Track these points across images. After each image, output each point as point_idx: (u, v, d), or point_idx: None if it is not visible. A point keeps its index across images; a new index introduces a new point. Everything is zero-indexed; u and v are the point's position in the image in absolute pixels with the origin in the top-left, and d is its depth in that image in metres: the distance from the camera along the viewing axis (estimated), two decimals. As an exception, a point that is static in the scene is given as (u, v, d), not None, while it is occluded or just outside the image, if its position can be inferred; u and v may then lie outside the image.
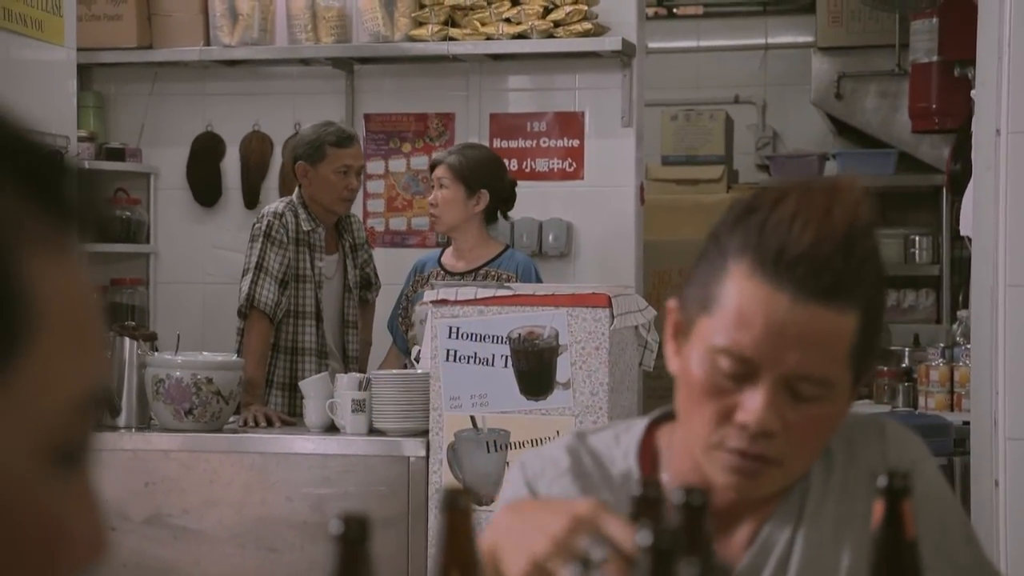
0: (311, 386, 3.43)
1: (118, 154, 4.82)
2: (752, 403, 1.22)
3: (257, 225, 3.86)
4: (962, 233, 3.41)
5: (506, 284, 3.42)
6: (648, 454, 1.37)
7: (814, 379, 1.22)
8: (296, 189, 3.95)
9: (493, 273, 3.85)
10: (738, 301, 1.23)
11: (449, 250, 3.97)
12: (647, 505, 1.06)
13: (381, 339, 4.19)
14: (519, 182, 4.42)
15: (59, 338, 0.60)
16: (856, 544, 1.32)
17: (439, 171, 3.82)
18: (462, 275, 3.85)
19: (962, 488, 3.63)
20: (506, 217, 4.04)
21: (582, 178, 4.62)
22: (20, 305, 0.58)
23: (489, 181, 3.83)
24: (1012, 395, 2.80)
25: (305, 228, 3.86)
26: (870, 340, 1.26)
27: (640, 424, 1.40)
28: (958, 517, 1.35)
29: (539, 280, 3.92)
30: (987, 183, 2.86)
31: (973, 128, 2.97)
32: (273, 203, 4.01)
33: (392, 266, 4.39)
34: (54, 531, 0.63)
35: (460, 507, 1.02)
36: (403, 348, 3.98)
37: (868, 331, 1.25)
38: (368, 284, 4.10)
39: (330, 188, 3.85)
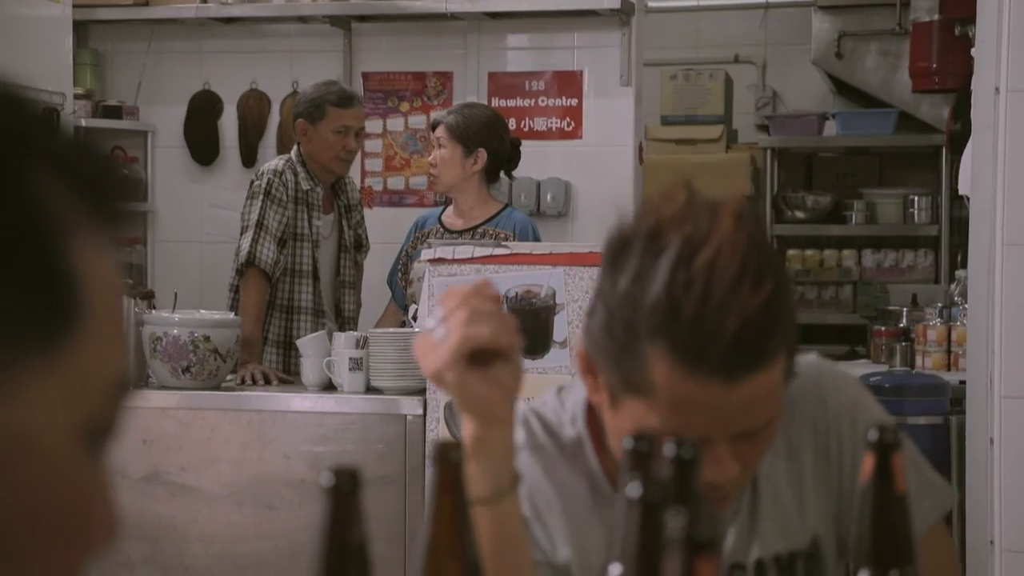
0: (308, 344, 3.43)
1: (115, 112, 4.80)
2: (710, 466, 1.18)
3: (256, 182, 3.86)
4: (960, 192, 3.41)
5: (503, 243, 3.42)
6: (594, 419, 1.37)
7: (760, 426, 1.23)
8: (295, 147, 3.94)
9: (491, 232, 3.85)
10: (671, 391, 1.18)
11: (450, 208, 3.97)
12: (638, 459, 1.06)
13: (377, 297, 4.19)
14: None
15: (101, 322, 0.63)
16: (812, 499, 1.34)
17: (438, 131, 3.83)
18: (460, 233, 3.85)
19: (958, 446, 3.64)
20: (509, 176, 4.04)
21: (581, 137, 4.61)
22: (72, 287, 0.61)
23: (487, 140, 3.82)
24: (1008, 354, 2.81)
25: (304, 187, 3.85)
26: (795, 344, 1.24)
27: (580, 387, 1.38)
28: (907, 443, 1.36)
29: (537, 239, 3.91)
30: (986, 142, 2.85)
31: (973, 86, 2.96)
32: (272, 160, 4.00)
33: (390, 225, 4.39)
34: (82, 510, 0.65)
35: (451, 460, 1.02)
36: (402, 303, 3.99)
37: (793, 341, 1.23)
38: (359, 246, 4.10)
39: (328, 147, 3.85)
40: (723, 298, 1.14)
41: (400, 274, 4.02)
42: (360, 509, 0.96)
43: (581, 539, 1.34)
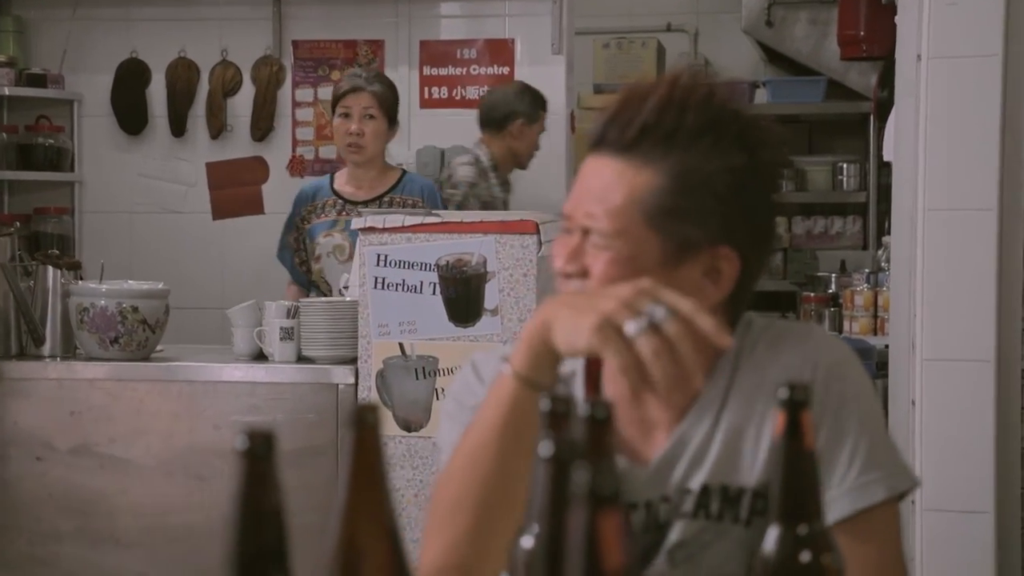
0: (239, 314, 3.42)
1: (39, 80, 4.73)
2: (559, 248, 1.36)
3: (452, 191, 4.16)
4: (885, 159, 3.46)
5: (434, 212, 3.42)
6: (591, 374, 1.41)
7: (598, 229, 1.32)
8: (482, 148, 4.20)
9: (398, 200, 3.85)
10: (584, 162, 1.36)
11: (341, 178, 3.92)
12: (555, 419, 1.07)
13: (278, 270, 4.14)
14: (450, 110, 4.43)
15: None
16: (766, 445, 1.36)
17: (365, 100, 3.76)
18: (367, 203, 3.82)
19: (884, 409, 3.70)
20: None
21: (512, 105, 4.60)
22: None
23: (397, 112, 3.86)
24: (930, 318, 2.86)
25: (496, 193, 4.27)
26: (687, 205, 1.31)
27: (493, 358, 1.44)
28: (877, 420, 1.38)
29: (441, 200, 3.96)
30: (907, 108, 2.89)
31: (896, 54, 3.00)
32: (460, 169, 4.25)
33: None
34: None
35: (369, 423, 1.03)
36: (300, 281, 3.95)
37: (683, 195, 1.31)
38: None
39: (533, 146, 4.27)
40: (633, 90, 1.33)
41: (294, 250, 3.96)
42: (275, 472, 0.97)
43: None
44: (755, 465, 1.35)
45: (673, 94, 1.30)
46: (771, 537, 1.08)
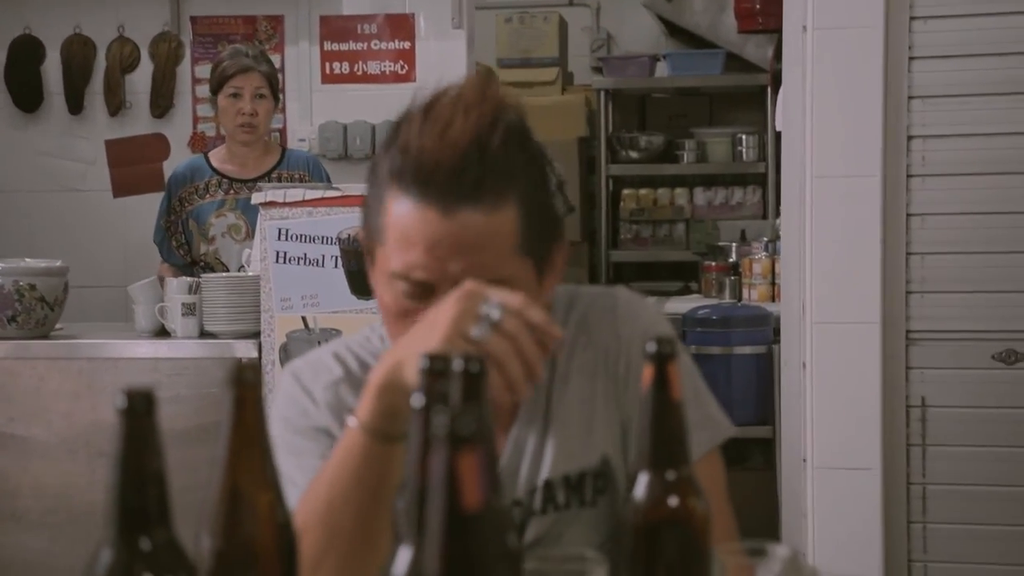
0: (140, 291, 3.40)
1: (-71, 58, 4.63)
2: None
3: None
4: (777, 128, 3.53)
5: (334, 185, 3.43)
6: None
7: (488, 277, 1.24)
8: None
9: (286, 175, 3.88)
10: (397, 226, 1.26)
11: (219, 157, 3.91)
12: (432, 376, 1.11)
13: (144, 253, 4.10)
14: (351, 85, 4.43)
15: None
16: (602, 421, 1.40)
17: (256, 80, 3.77)
18: (255, 181, 3.83)
19: (779, 372, 3.80)
20: None
21: (414, 81, 4.62)
22: None
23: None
24: (818, 282, 2.94)
25: None
26: (539, 224, 1.29)
27: None
28: (690, 379, 1.42)
29: (325, 173, 3.99)
30: (795, 79, 2.97)
31: (783, 25, 3.07)
32: None
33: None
34: None
35: (248, 381, 1.06)
36: (179, 263, 3.93)
37: (533, 217, 1.28)
38: None
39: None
40: (442, 129, 1.24)
41: (170, 234, 3.93)
42: (156, 432, 0.99)
43: None
44: (589, 445, 1.38)
45: (482, 133, 1.24)
46: (641, 483, 1.12)
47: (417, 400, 0.92)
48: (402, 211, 1.25)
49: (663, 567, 1.11)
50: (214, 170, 3.88)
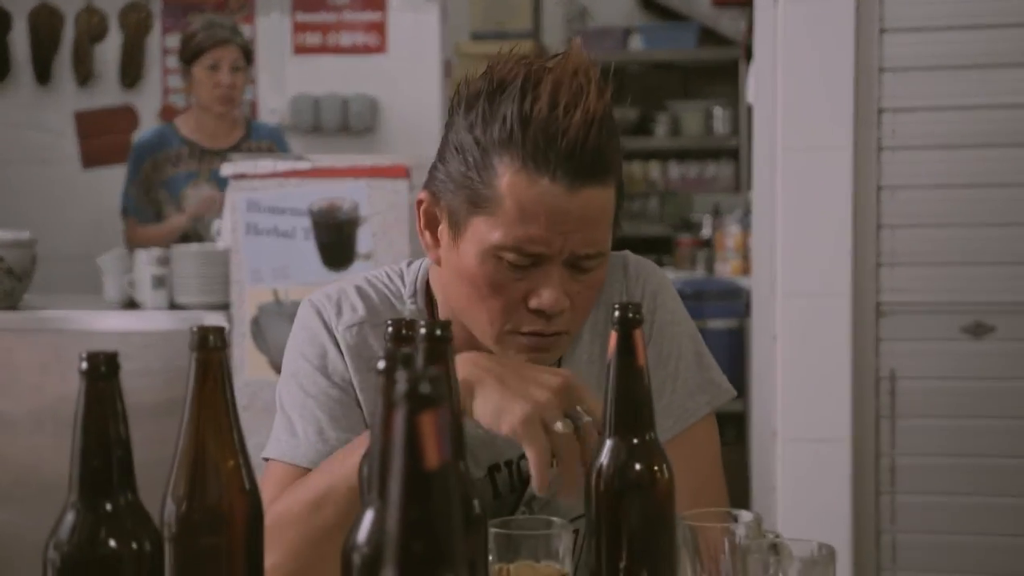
0: (109, 262, 3.38)
1: None
2: (545, 289, 1.27)
3: None
4: (750, 101, 3.53)
5: (305, 156, 3.41)
6: (429, 298, 1.42)
7: (593, 253, 1.28)
8: None
9: (255, 146, 3.89)
10: (516, 198, 1.24)
11: (187, 126, 3.89)
12: (398, 339, 1.11)
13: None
14: (323, 56, 4.40)
15: None
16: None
17: (234, 53, 3.77)
18: (227, 151, 3.82)
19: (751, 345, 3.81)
20: None
21: (386, 52, 4.60)
22: None
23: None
24: (789, 255, 2.95)
25: None
26: (622, 195, 1.32)
27: (417, 265, 1.44)
28: (692, 343, 1.44)
29: (286, 144, 3.99)
30: (766, 51, 2.97)
31: (755, -2, 3.07)
32: None
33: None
34: None
35: (211, 345, 1.05)
36: (157, 221, 3.91)
37: (621, 188, 1.31)
38: None
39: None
40: (570, 103, 1.22)
41: (143, 204, 3.90)
42: (119, 394, 0.98)
43: None
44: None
45: (604, 108, 1.24)
46: (606, 449, 1.13)
47: (379, 363, 0.92)
48: (523, 184, 1.23)
49: (627, 532, 1.12)
50: (183, 140, 3.86)
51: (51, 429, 3.19)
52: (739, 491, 3.71)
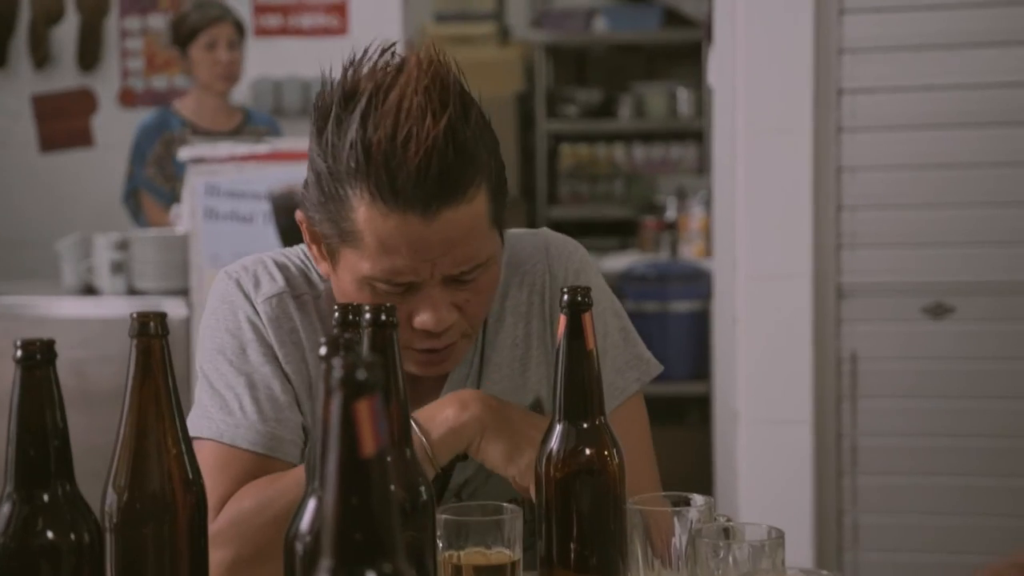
0: (67, 248, 3.35)
1: None
2: (425, 312, 1.25)
3: None
4: (710, 83, 3.53)
5: (263, 139, 3.39)
6: None
7: (468, 268, 1.25)
8: None
9: (255, 129, 3.85)
10: (374, 233, 1.21)
11: (187, 109, 3.86)
12: (344, 326, 1.10)
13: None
14: (284, 39, 4.37)
15: None
16: (536, 361, 1.39)
17: (229, 30, 3.76)
18: (229, 134, 3.80)
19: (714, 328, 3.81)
20: None
21: (347, 34, 4.56)
22: None
23: None
24: (750, 236, 2.95)
25: None
26: (500, 193, 1.28)
27: None
28: (617, 319, 1.43)
29: (282, 132, 3.96)
30: (725, 33, 2.96)
31: (716, -21, 3.06)
32: None
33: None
34: None
35: (151, 332, 1.04)
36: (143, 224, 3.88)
37: (497, 188, 1.27)
38: None
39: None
40: (408, 132, 1.19)
41: (158, 176, 3.89)
42: (55, 382, 0.96)
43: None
44: (522, 387, 1.38)
45: (450, 126, 1.20)
46: (556, 433, 1.12)
47: (321, 348, 0.90)
48: (377, 218, 1.21)
49: (578, 517, 1.11)
50: (183, 122, 3.84)
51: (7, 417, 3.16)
52: (704, 474, 3.71)
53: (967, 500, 2.89)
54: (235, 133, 3.81)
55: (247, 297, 1.36)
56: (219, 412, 1.31)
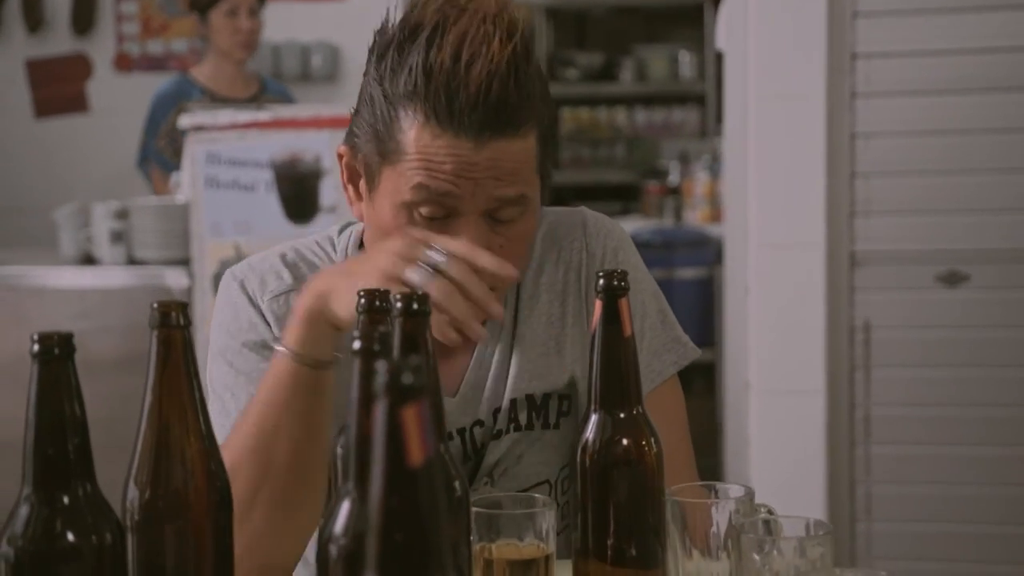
0: (65, 217, 3.29)
1: None
2: (466, 239, 1.21)
3: None
4: (719, 47, 3.47)
5: (265, 106, 3.33)
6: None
7: (511, 201, 1.23)
8: None
9: (272, 98, 3.82)
10: (422, 151, 1.20)
11: (204, 75, 3.81)
12: (372, 313, 1.05)
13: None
14: (281, 2, 4.30)
15: None
16: (572, 340, 1.35)
17: None
18: (248, 101, 3.75)
19: (720, 295, 3.78)
20: None
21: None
22: None
23: None
24: (763, 204, 2.90)
25: None
26: (550, 142, 1.27)
27: (349, 231, 1.39)
28: (655, 300, 1.39)
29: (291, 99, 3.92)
30: (739, -5, 2.90)
31: (727, -60, 3.00)
32: None
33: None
34: None
35: (173, 323, 0.99)
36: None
37: (547, 136, 1.25)
38: None
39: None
40: (473, 54, 1.18)
41: (168, 148, 3.84)
42: (72, 375, 0.92)
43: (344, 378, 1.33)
44: (557, 366, 1.35)
45: (512, 58, 1.19)
46: (592, 423, 1.08)
47: (355, 342, 0.86)
48: (427, 138, 1.20)
49: (615, 509, 1.07)
50: (201, 89, 3.79)
51: (7, 388, 3.11)
52: (709, 444, 3.69)
53: (981, 470, 2.86)
54: (252, 101, 3.76)
55: (250, 299, 1.33)
56: (218, 415, 1.28)
